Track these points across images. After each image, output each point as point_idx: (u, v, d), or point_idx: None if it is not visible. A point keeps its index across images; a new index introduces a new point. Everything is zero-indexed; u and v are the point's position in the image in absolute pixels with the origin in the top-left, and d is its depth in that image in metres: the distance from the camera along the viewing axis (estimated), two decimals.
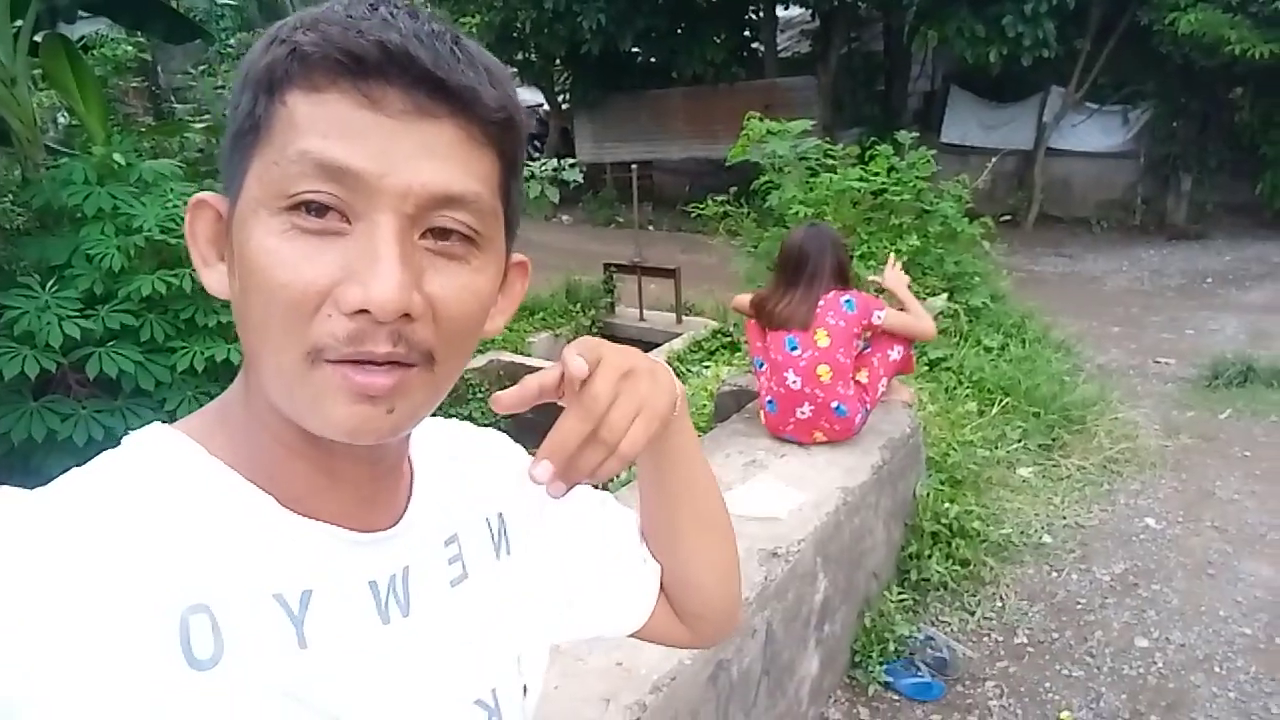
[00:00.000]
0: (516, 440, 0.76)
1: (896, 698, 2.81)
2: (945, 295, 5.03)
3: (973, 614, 3.20)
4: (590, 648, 1.72)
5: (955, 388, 4.47)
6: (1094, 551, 3.63)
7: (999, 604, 3.27)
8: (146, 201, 3.13)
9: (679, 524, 0.77)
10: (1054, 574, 3.48)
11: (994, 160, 7.46)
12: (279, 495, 0.54)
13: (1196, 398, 5.44)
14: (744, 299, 3.25)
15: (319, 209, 0.48)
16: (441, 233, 0.51)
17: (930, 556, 3.27)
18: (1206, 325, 7.30)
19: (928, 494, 3.37)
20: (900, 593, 3.14)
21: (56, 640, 0.44)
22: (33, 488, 0.50)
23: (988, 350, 4.97)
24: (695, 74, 12.76)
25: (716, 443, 3.17)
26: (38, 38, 3.73)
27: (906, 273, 3.40)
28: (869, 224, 5.18)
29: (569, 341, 0.57)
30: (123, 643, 0.46)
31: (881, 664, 2.87)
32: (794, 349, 3.00)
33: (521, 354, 6.51)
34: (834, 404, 2.97)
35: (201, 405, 0.59)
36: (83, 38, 5.99)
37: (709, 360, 5.68)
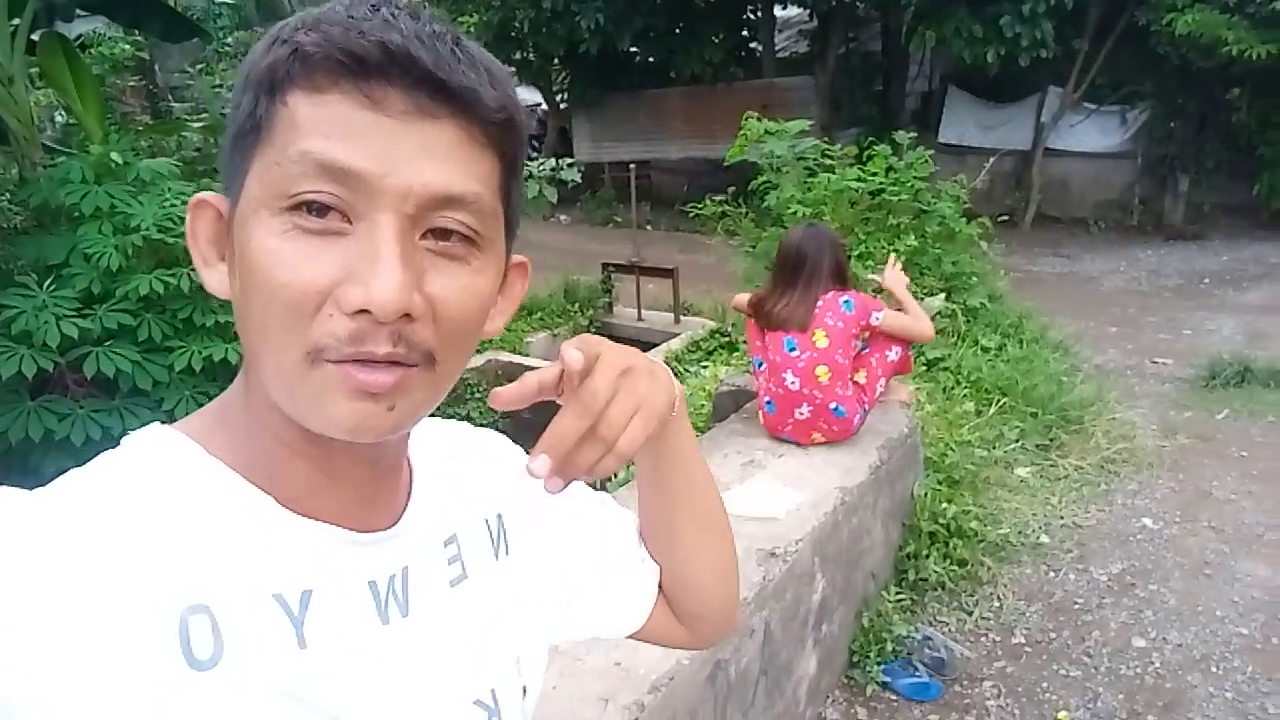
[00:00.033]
0: (515, 440, 0.76)
1: (894, 698, 2.81)
2: (943, 295, 5.04)
3: (970, 614, 3.20)
4: (588, 648, 1.72)
5: (953, 388, 4.48)
6: (1091, 551, 3.64)
7: (996, 604, 3.27)
8: (144, 200, 3.13)
9: (677, 524, 0.77)
10: (1051, 574, 3.49)
11: (992, 160, 7.45)
12: (279, 495, 0.54)
13: (1194, 398, 5.45)
14: (744, 298, 3.25)
15: (320, 209, 0.48)
16: (442, 233, 0.51)
17: (928, 556, 3.28)
18: (1204, 326, 7.31)
19: (925, 494, 3.38)
20: (898, 593, 3.14)
21: (57, 640, 0.44)
22: (30, 487, 0.50)
23: (985, 350, 4.97)
24: (693, 74, 12.77)
25: (715, 443, 3.17)
26: (35, 36, 3.72)
27: (905, 273, 3.40)
28: (867, 224, 5.19)
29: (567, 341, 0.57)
30: (123, 643, 0.46)
31: (879, 664, 2.87)
32: (792, 350, 3.00)
33: (519, 354, 6.51)
34: (832, 405, 2.97)
35: (199, 405, 0.59)
36: (80, 36, 5.98)
37: (707, 360, 5.68)
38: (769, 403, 3.08)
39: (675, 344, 6.26)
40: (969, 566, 3.36)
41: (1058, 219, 11.69)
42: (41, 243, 3.11)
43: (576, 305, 7.44)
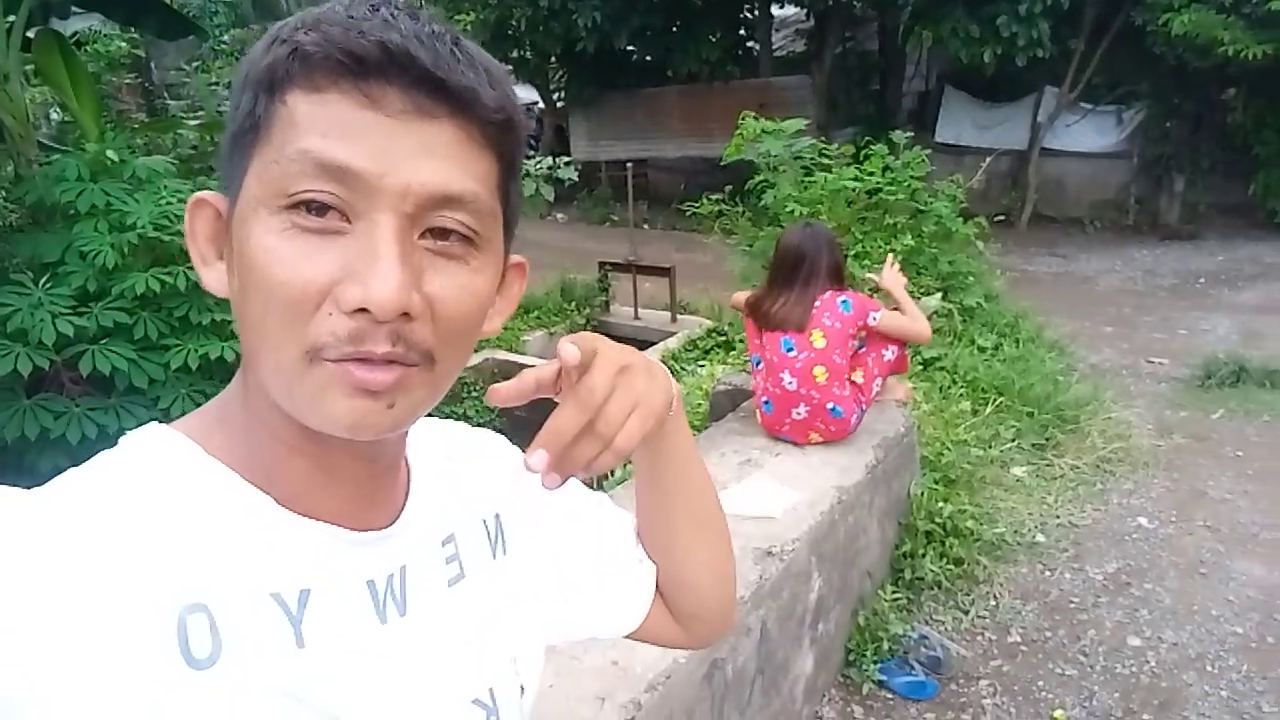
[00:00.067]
0: (512, 439, 0.76)
1: (890, 696, 2.81)
2: (939, 295, 5.05)
3: (966, 613, 3.21)
4: (586, 647, 1.72)
5: (949, 387, 4.48)
6: (1087, 551, 3.65)
7: (993, 603, 3.28)
8: (140, 198, 3.12)
9: (674, 524, 0.77)
10: (1047, 573, 3.49)
11: (988, 160, 7.45)
12: (277, 494, 0.54)
13: (1189, 398, 5.46)
14: (741, 296, 3.25)
15: (319, 208, 0.48)
16: (441, 233, 0.51)
17: (924, 555, 3.28)
18: (1199, 325, 7.33)
19: (922, 493, 3.38)
20: (894, 591, 3.15)
21: (56, 640, 0.44)
22: (26, 486, 0.50)
23: (981, 350, 4.98)
24: (690, 72, 12.77)
25: (712, 442, 3.17)
26: (30, 33, 3.71)
27: (902, 273, 3.40)
28: (863, 223, 5.19)
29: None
30: (121, 642, 0.46)
31: (876, 663, 2.87)
32: (790, 350, 3.00)
33: (516, 352, 6.52)
34: (829, 405, 2.97)
35: (196, 403, 0.59)
36: (76, 33, 5.97)
37: (704, 359, 5.69)
38: (766, 403, 3.08)
39: (672, 343, 6.27)
40: (965, 565, 3.36)
41: (1054, 219, 11.70)
42: (37, 240, 3.10)
43: (573, 304, 7.44)
